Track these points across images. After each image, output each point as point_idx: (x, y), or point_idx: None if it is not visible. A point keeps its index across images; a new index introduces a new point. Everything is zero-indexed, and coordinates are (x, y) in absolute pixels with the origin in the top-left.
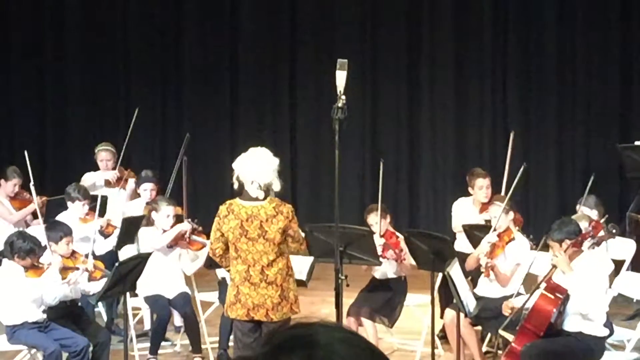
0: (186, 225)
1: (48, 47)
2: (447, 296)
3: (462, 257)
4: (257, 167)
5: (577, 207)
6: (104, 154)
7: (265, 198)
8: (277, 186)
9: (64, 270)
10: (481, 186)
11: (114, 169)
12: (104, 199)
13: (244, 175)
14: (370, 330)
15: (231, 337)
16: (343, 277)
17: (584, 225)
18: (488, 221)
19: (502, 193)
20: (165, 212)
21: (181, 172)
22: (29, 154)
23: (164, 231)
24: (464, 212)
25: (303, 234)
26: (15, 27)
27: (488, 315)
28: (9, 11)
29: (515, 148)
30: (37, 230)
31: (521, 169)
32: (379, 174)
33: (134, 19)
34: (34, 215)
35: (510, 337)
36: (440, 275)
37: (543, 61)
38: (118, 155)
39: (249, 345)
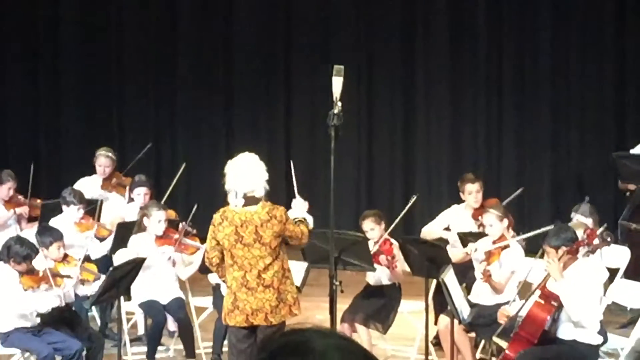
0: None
1: (42, 51)
2: (441, 303)
3: (456, 264)
4: (234, 175)
5: (572, 215)
6: (103, 160)
7: (256, 203)
8: (259, 193)
9: (57, 276)
10: (470, 191)
11: (110, 175)
12: (101, 203)
13: (226, 183)
14: (364, 336)
15: (225, 342)
16: (337, 283)
17: (579, 233)
18: (480, 224)
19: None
20: (157, 217)
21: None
22: (22, 158)
23: (156, 236)
24: (456, 220)
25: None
26: (10, 35)
27: (482, 322)
28: (3, 19)
29: (509, 154)
30: (30, 234)
31: (518, 191)
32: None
33: (128, 23)
34: (28, 220)
35: (504, 344)
36: (434, 281)
37: (537, 68)
38: (117, 163)
39: (243, 352)
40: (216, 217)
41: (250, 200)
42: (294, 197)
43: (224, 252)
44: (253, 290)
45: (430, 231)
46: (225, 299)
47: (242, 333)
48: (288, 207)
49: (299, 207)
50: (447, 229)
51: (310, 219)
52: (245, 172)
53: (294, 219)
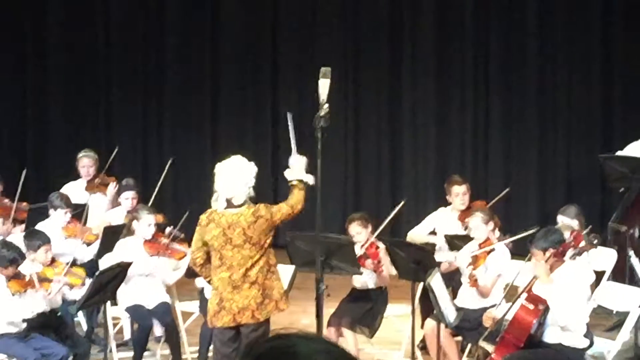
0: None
1: (28, 51)
2: (428, 307)
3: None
4: (218, 178)
5: (558, 217)
6: (85, 161)
7: (239, 206)
8: (239, 200)
9: (44, 281)
10: (457, 193)
11: (95, 175)
12: (87, 208)
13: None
14: (350, 340)
15: (211, 347)
16: (324, 287)
17: (565, 235)
18: (466, 226)
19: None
20: (147, 221)
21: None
22: (8, 161)
23: (145, 240)
24: (442, 222)
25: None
26: None
27: (468, 325)
28: None
29: (497, 155)
30: (17, 238)
31: (504, 192)
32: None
33: (115, 23)
34: (14, 223)
35: (490, 348)
36: (420, 285)
37: (524, 68)
38: (100, 163)
39: (228, 356)
40: (203, 217)
41: (231, 204)
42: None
43: (210, 252)
44: (238, 289)
45: (417, 235)
46: (211, 301)
47: (226, 336)
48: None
49: (297, 166)
50: (434, 232)
51: (310, 179)
52: (228, 177)
53: (289, 182)
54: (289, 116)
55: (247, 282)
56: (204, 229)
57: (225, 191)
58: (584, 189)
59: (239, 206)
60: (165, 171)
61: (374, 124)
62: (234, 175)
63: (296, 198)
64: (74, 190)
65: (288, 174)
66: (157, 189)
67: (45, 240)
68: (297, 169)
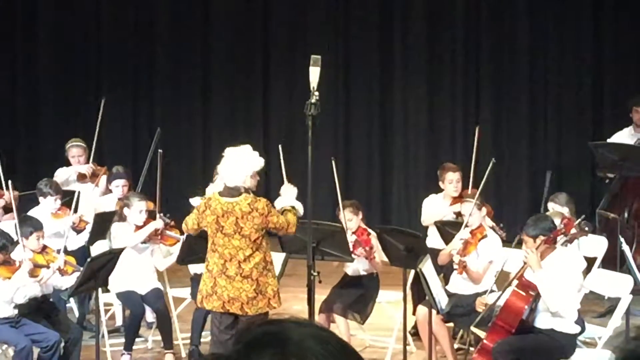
0: (159, 223)
1: (19, 40)
2: (419, 293)
3: (434, 253)
4: (224, 162)
5: (548, 204)
6: (75, 150)
7: (238, 194)
8: (236, 186)
9: (36, 267)
10: (451, 180)
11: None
12: (78, 195)
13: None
14: (342, 326)
15: (203, 333)
16: (315, 274)
17: (556, 222)
18: (458, 213)
19: (470, 188)
20: (138, 207)
21: (156, 165)
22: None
23: (137, 227)
24: (434, 207)
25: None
26: None
27: (460, 312)
28: None
29: (487, 144)
30: (8, 225)
31: (490, 165)
32: (334, 173)
33: (106, 13)
34: (5, 211)
35: (482, 334)
36: (412, 272)
37: (515, 58)
38: (89, 151)
39: (224, 342)
40: (201, 203)
41: (227, 190)
42: (283, 183)
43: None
44: (231, 279)
45: (427, 219)
46: (204, 281)
47: (224, 324)
48: (266, 199)
49: (288, 194)
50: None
51: (299, 206)
52: (232, 163)
53: (281, 208)
54: (280, 148)
55: (240, 275)
56: (201, 215)
57: (225, 175)
58: (574, 177)
59: (236, 195)
60: (148, 164)
61: (364, 114)
62: (237, 162)
63: (291, 219)
64: (65, 177)
65: (279, 202)
66: (141, 181)
67: (37, 226)
68: (288, 197)
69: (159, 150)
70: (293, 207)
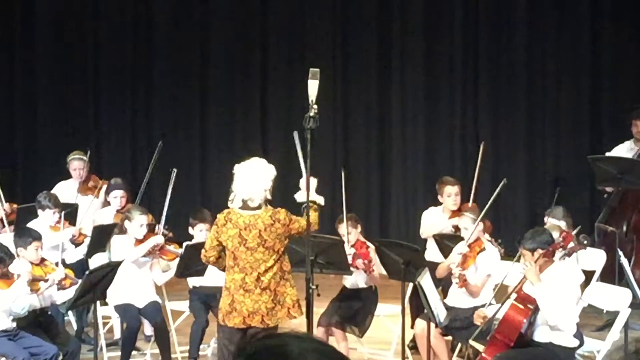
0: (160, 238)
1: (17, 51)
2: (418, 306)
3: (433, 267)
4: (238, 180)
5: (545, 218)
6: (76, 163)
7: (257, 208)
8: (256, 202)
9: (34, 281)
10: (450, 194)
11: (87, 177)
12: (76, 208)
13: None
14: (340, 340)
15: (202, 346)
16: (314, 287)
17: (554, 235)
18: (456, 226)
19: (470, 202)
20: (139, 221)
21: (155, 178)
22: None
23: (137, 240)
24: (433, 220)
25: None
26: None
27: (458, 325)
28: None
29: (486, 157)
30: (5, 238)
31: (501, 184)
32: (342, 183)
33: (104, 21)
34: (2, 224)
35: (480, 347)
36: (410, 285)
37: (513, 71)
38: (90, 165)
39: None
40: (220, 217)
41: (247, 206)
42: (301, 175)
43: (224, 252)
44: (250, 292)
45: (425, 231)
46: (223, 300)
47: (235, 337)
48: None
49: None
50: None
51: (320, 199)
52: (247, 179)
53: (302, 203)
54: (296, 135)
55: (259, 287)
56: (220, 228)
57: (242, 192)
58: (572, 191)
59: (256, 208)
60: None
61: (363, 126)
62: (253, 177)
63: (313, 218)
64: (65, 190)
65: (299, 196)
66: (141, 191)
67: (36, 236)
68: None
69: (174, 170)
70: (314, 203)
